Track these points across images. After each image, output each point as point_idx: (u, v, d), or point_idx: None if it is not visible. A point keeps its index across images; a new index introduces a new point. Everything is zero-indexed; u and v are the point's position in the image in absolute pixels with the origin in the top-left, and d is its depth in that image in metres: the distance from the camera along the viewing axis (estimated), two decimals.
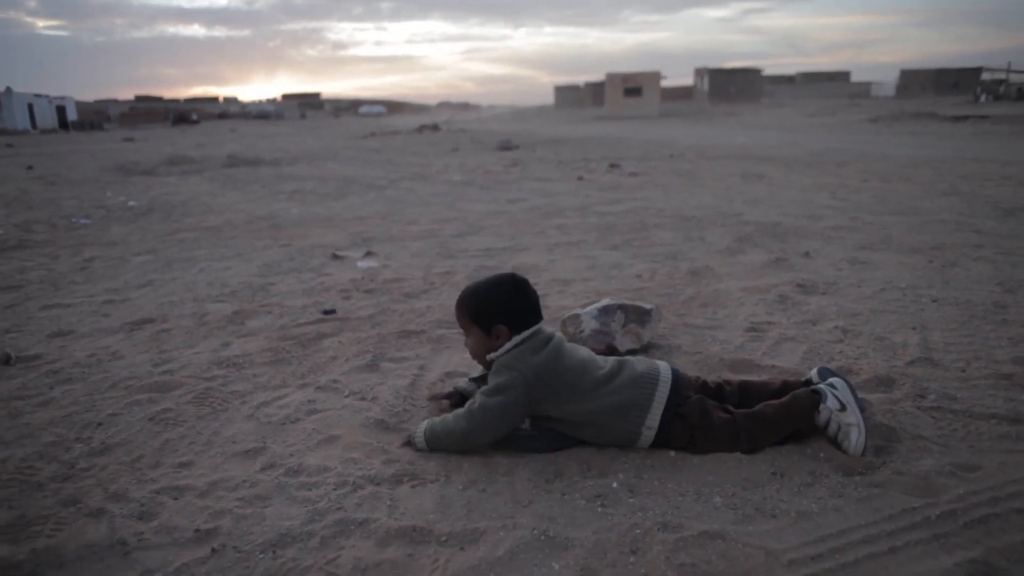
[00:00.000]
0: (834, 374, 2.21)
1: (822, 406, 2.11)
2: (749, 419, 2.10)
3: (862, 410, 2.10)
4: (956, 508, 1.79)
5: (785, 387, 2.25)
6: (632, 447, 2.13)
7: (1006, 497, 1.83)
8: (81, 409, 2.54)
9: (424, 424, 2.21)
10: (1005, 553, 1.60)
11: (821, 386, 2.17)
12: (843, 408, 2.09)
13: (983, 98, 41.91)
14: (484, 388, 2.17)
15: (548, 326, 2.27)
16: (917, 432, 2.20)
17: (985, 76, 47.25)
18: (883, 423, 2.23)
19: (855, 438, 2.05)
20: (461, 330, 2.30)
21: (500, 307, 2.18)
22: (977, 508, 1.79)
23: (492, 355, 2.19)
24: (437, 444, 2.15)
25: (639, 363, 2.22)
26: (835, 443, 2.09)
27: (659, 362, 2.24)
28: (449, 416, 2.18)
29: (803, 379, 2.30)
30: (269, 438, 2.30)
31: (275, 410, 2.52)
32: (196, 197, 8.91)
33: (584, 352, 2.25)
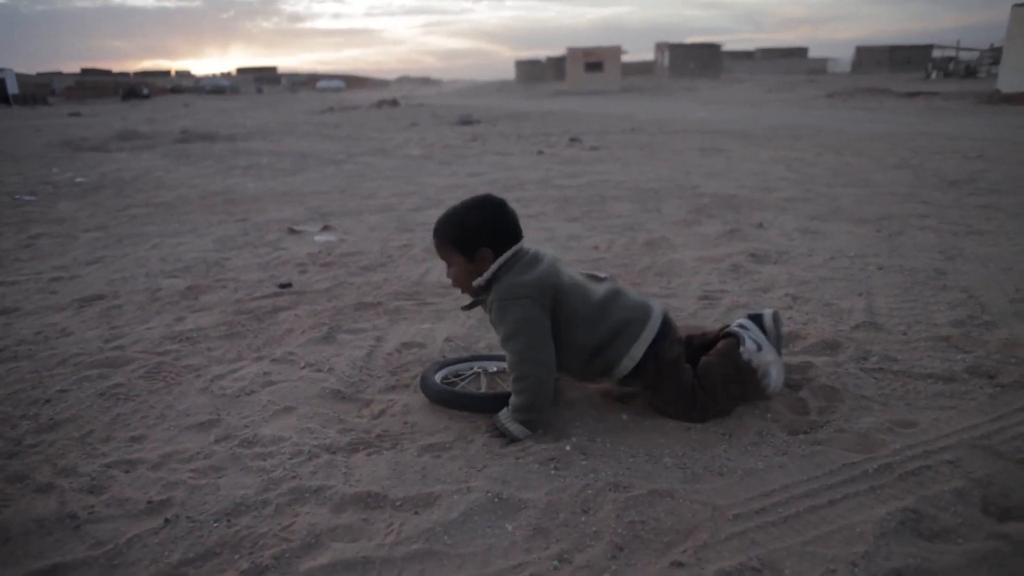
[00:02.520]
0: (757, 316, 2.25)
1: (741, 348, 2.16)
2: (702, 389, 2.12)
3: (779, 347, 2.17)
4: (892, 462, 1.87)
5: (718, 338, 2.30)
6: (603, 378, 2.16)
7: (937, 450, 1.92)
8: (28, 386, 2.49)
9: (505, 422, 2.07)
10: (934, 501, 1.68)
11: (733, 327, 2.22)
12: (759, 348, 2.16)
13: (934, 75, 42.84)
14: (501, 338, 2.07)
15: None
16: (859, 392, 2.28)
17: (936, 54, 48.26)
18: (827, 384, 2.31)
19: (773, 376, 2.13)
20: (442, 260, 2.19)
21: (482, 229, 2.07)
22: (911, 461, 1.87)
23: (478, 280, 2.09)
24: (531, 419, 2.05)
25: (632, 294, 2.19)
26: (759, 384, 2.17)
27: (651, 298, 2.24)
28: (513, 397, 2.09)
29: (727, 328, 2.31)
30: (223, 410, 2.28)
31: (230, 383, 2.50)
32: (148, 173, 8.67)
33: (577, 273, 2.19)
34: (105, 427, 2.19)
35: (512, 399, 2.08)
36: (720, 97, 32.53)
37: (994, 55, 36.01)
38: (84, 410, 2.30)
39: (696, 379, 2.14)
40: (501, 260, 2.07)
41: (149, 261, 4.25)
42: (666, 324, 2.15)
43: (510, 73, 76.94)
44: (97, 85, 49.37)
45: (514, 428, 2.05)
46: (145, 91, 45.82)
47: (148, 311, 3.31)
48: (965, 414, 2.13)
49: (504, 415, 2.09)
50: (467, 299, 2.24)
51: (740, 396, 2.18)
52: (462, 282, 2.14)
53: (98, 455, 2.02)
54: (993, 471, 1.82)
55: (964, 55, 44.86)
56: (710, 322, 2.93)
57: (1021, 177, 6.73)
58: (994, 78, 28.29)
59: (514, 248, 2.09)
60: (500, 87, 63.43)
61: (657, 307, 2.18)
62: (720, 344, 2.23)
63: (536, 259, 2.10)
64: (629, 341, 2.09)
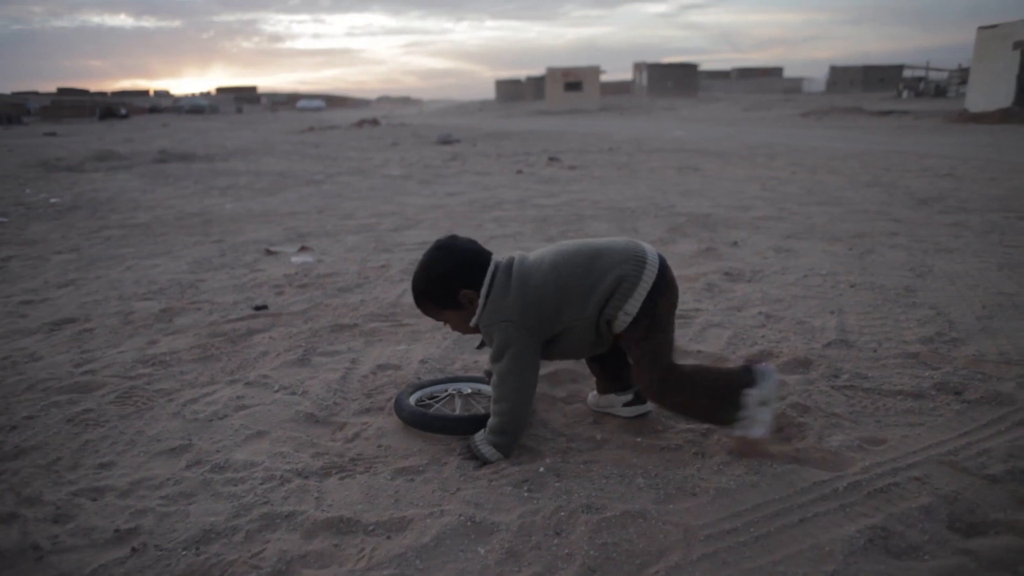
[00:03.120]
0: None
1: (752, 390, 2.00)
2: (683, 376, 2.06)
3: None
4: (861, 479, 1.89)
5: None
6: (601, 341, 2.09)
7: (906, 467, 1.94)
8: None
9: (479, 444, 2.07)
10: (902, 518, 1.70)
11: (761, 367, 2.05)
12: (763, 403, 2.01)
13: (905, 94, 43.76)
14: (489, 358, 2.11)
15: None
16: (831, 410, 2.31)
17: (907, 73, 49.31)
18: (800, 402, 2.34)
19: (750, 432, 2.00)
20: (439, 321, 2.23)
21: (450, 275, 2.08)
22: (880, 478, 1.89)
23: (473, 320, 2.10)
24: (504, 442, 2.06)
25: (618, 245, 2.09)
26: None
27: (643, 244, 2.11)
28: (490, 419, 2.09)
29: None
30: (195, 435, 2.26)
31: (202, 407, 2.47)
32: (124, 193, 8.60)
33: (550, 256, 2.11)
34: (73, 454, 2.15)
35: (490, 420, 2.08)
36: (697, 116, 32.98)
37: (962, 75, 36.89)
38: (51, 437, 2.26)
39: (682, 368, 2.08)
40: (484, 291, 2.06)
41: (123, 283, 4.20)
42: (661, 275, 2.03)
43: (491, 93, 77.43)
44: (74, 105, 48.99)
45: (486, 451, 2.06)
46: (123, 111, 45.55)
47: (120, 335, 3.27)
48: (933, 430, 2.17)
49: (480, 437, 2.09)
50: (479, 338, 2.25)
51: (706, 415, 2.10)
52: (463, 330, 2.16)
53: (64, 483, 1.99)
54: (959, 487, 1.84)
55: (934, 75, 45.90)
56: (686, 340, 2.95)
57: (988, 195, 6.87)
58: (963, 97, 28.96)
59: (489, 272, 2.07)
60: (481, 106, 63.83)
61: (651, 255, 2.06)
62: (734, 369, 2.13)
63: (508, 273, 2.07)
64: (624, 296, 1.99)
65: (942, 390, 2.44)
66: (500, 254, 2.18)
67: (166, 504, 1.88)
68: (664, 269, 2.06)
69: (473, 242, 2.16)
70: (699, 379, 2.09)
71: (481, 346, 2.23)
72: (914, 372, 2.59)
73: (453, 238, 2.16)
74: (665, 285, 2.04)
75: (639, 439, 2.16)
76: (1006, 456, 1.99)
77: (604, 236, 5.12)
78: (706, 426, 2.20)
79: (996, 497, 1.81)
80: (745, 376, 2.04)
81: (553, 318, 2.04)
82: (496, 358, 2.05)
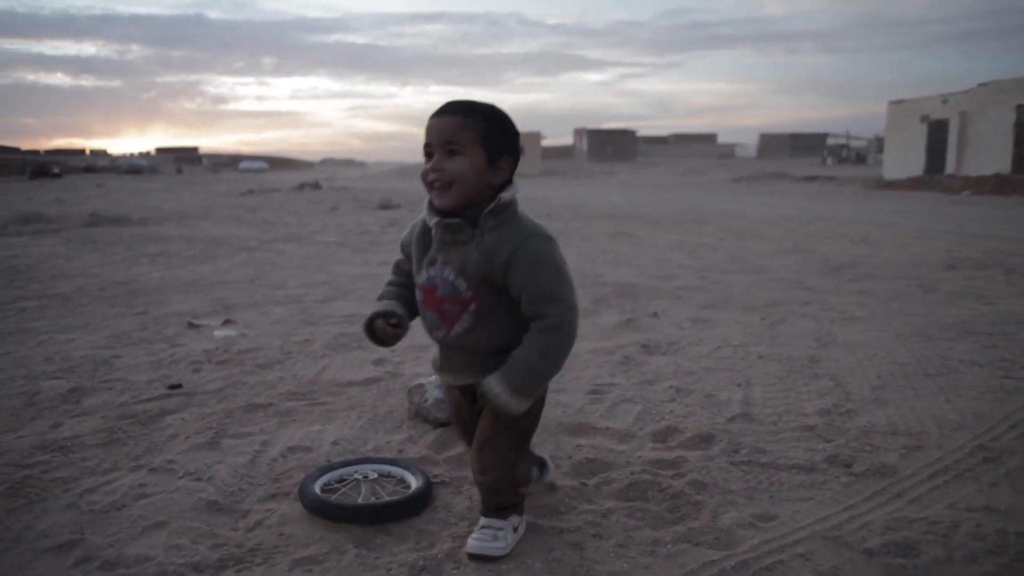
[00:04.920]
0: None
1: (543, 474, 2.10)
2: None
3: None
4: (749, 558, 1.96)
5: None
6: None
7: (792, 543, 2.03)
8: None
9: (499, 393, 1.73)
10: None
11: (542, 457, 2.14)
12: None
13: (829, 160, 46.30)
14: (538, 282, 1.72)
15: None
16: (727, 486, 2.39)
17: (830, 141, 52.31)
18: (698, 479, 2.42)
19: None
20: (441, 147, 1.78)
21: (514, 139, 1.82)
22: (766, 556, 1.97)
23: (506, 194, 1.79)
24: (541, 375, 1.77)
25: None
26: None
27: None
28: (522, 354, 1.74)
29: None
30: (88, 528, 2.19)
31: (100, 496, 2.40)
32: (47, 260, 8.36)
33: None
34: None
35: (532, 355, 1.72)
36: (636, 180, 34.08)
37: (879, 144, 39.29)
38: None
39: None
40: (516, 186, 1.82)
41: (31, 360, 4.07)
42: None
43: None
44: (3, 163, 47.54)
45: (513, 403, 1.73)
46: (56, 170, 44.40)
47: (21, 418, 3.16)
48: (821, 504, 2.27)
49: (498, 383, 1.72)
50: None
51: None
52: (469, 180, 1.74)
53: None
54: (839, 562, 1.93)
55: (854, 143, 48.78)
56: (596, 417, 3.02)
57: (896, 262, 7.29)
58: (880, 165, 30.80)
59: (517, 183, 1.84)
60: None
61: None
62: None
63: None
64: None
65: (833, 463, 2.56)
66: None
67: None
68: None
69: None
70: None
71: (441, 218, 1.79)
72: (809, 445, 2.71)
73: None
74: None
75: (540, 522, 2.19)
76: (884, 528, 2.10)
77: None
78: (607, 506, 2.26)
79: (871, 571, 1.90)
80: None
81: None
82: (559, 278, 1.76)
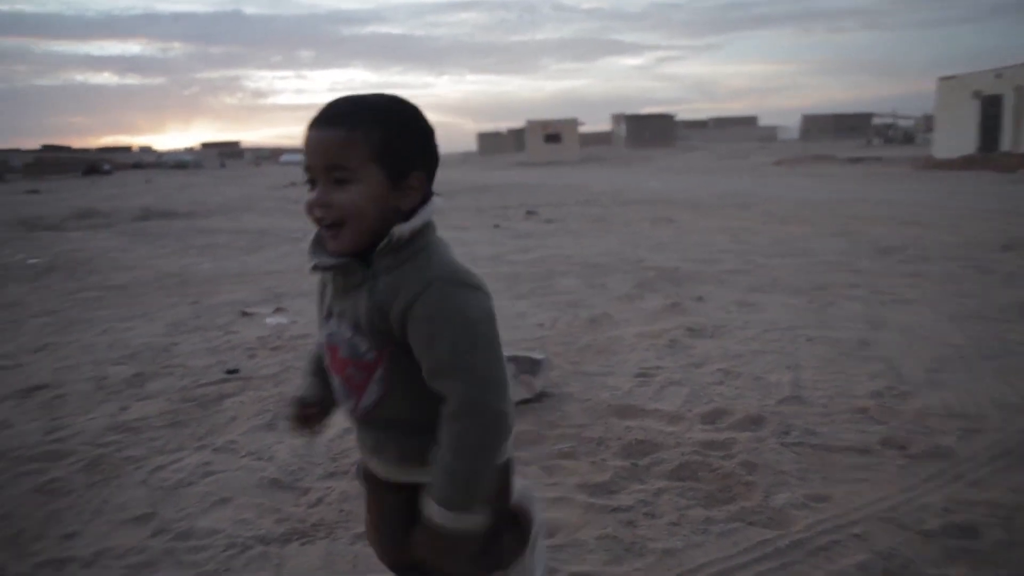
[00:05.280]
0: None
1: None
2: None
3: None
4: (803, 537, 1.97)
5: None
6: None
7: (847, 524, 2.03)
8: None
9: (449, 521, 1.17)
10: None
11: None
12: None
13: (875, 141, 45.01)
14: (438, 351, 1.18)
15: None
16: (779, 467, 2.40)
17: (876, 121, 50.83)
18: (749, 460, 2.42)
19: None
20: (324, 170, 1.23)
21: (426, 146, 1.30)
22: (821, 536, 1.98)
23: (404, 227, 1.22)
24: (466, 493, 1.19)
25: None
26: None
27: None
28: (438, 454, 1.19)
29: None
30: (160, 503, 2.30)
31: (169, 474, 2.52)
32: (104, 253, 8.66)
33: None
34: (38, 524, 2.19)
35: (450, 462, 1.18)
36: (675, 165, 33.66)
37: (928, 122, 38.08)
38: (18, 507, 2.30)
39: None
40: (431, 208, 1.28)
41: (97, 348, 4.25)
42: None
43: (473, 144, 78.57)
44: (57, 161, 49.14)
45: (466, 522, 1.18)
46: (107, 167, 45.71)
47: (92, 400, 3.31)
48: (876, 486, 2.26)
49: (441, 513, 1.17)
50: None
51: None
52: (367, 214, 1.23)
53: (29, 555, 2.03)
54: (895, 543, 1.93)
55: (902, 122, 47.34)
56: (645, 400, 3.04)
57: (949, 243, 7.10)
58: (929, 144, 29.86)
59: (436, 201, 1.30)
60: (464, 158, 64.74)
61: None
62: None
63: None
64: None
65: (888, 445, 2.54)
66: None
67: (129, 574, 1.92)
68: None
69: None
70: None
71: (328, 268, 1.28)
72: (862, 427, 2.69)
73: None
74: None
75: (592, 500, 2.22)
76: (942, 511, 2.08)
77: (572, 293, 5.24)
78: (658, 486, 2.28)
79: (929, 552, 1.90)
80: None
81: None
82: (470, 346, 1.18)
